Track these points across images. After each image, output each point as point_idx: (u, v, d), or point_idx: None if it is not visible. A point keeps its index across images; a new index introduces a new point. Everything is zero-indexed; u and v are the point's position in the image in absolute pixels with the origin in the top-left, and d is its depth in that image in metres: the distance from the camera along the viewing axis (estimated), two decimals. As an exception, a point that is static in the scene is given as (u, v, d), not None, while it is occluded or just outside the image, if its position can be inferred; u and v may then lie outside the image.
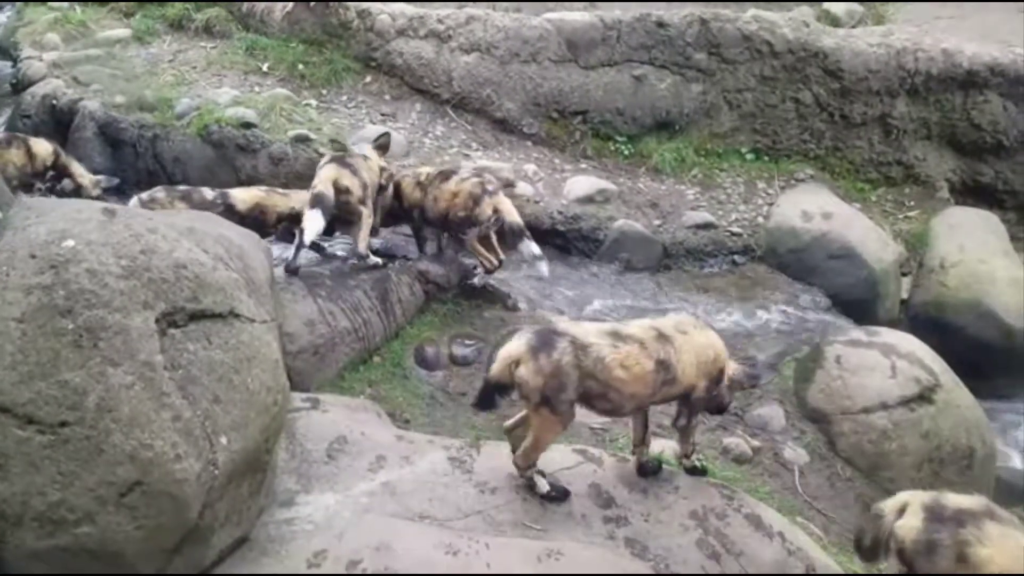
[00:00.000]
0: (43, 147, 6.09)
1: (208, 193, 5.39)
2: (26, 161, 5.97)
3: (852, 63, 6.97)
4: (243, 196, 5.44)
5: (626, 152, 7.20)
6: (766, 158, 7.26)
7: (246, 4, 7.96)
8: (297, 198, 5.49)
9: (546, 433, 3.49)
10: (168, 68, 7.27)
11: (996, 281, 6.20)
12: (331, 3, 7.48)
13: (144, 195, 5.34)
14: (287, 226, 5.49)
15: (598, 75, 7.15)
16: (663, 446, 4.61)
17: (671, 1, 7.38)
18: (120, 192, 6.60)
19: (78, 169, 6.25)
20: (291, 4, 7.63)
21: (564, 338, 3.39)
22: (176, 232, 3.02)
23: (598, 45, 7.13)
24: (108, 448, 2.55)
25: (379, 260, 5.41)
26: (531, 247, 5.39)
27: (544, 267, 5.48)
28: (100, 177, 6.36)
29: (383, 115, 7.26)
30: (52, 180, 6.12)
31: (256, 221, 5.29)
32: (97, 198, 5.92)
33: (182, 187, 5.55)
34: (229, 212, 5.23)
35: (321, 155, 6.50)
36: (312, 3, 7.52)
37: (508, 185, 6.33)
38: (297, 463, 3.55)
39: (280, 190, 5.65)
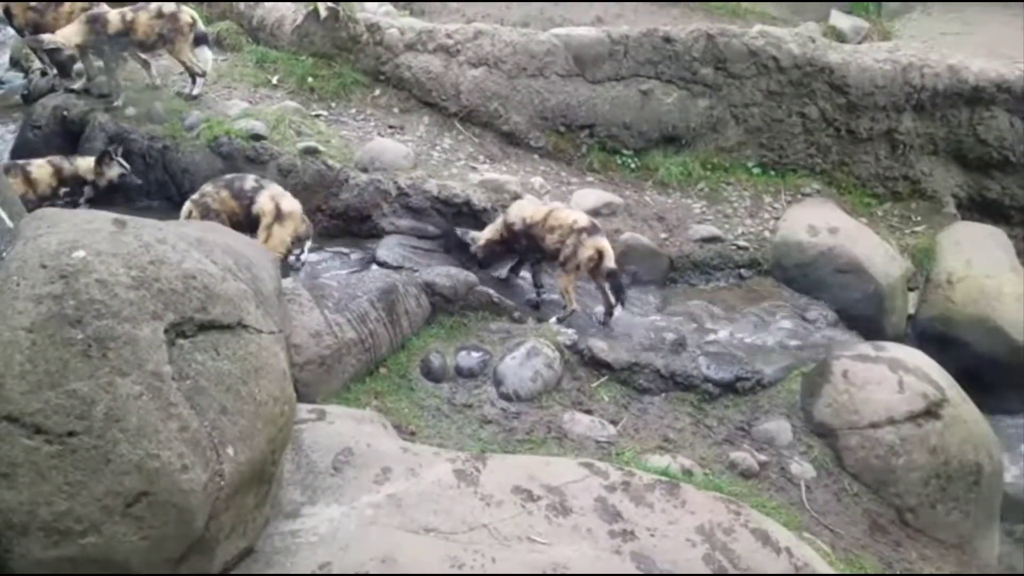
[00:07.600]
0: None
1: None
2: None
3: (858, 78, 6.99)
4: None
5: (632, 166, 7.22)
6: (772, 172, 7.28)
7: (256, 18, 8.03)
8: None
9: None
10: (178, 81, 7.31)
11: (1003, 296, 6.19)
12: (340, 17, 7.53)
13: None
14: None
15: (605, 89, 7.19)
16: (668, 460, 4.62)
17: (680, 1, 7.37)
18: (130, 202, 6.64)
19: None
20: (301, 18, 7.68)
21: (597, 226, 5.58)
22: (185, 243, 3.03)
23: (605, 60, 7.16)
24: (115, 458, 2.56)
25: None
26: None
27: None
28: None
29: (391, 128, 7.28)
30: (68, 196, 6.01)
31: None
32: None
33: None
34: None
35: (330, 168, 6.55)
36: (322, 17, 7.57)
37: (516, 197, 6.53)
38: (303, 475, 3.54)
39: None
